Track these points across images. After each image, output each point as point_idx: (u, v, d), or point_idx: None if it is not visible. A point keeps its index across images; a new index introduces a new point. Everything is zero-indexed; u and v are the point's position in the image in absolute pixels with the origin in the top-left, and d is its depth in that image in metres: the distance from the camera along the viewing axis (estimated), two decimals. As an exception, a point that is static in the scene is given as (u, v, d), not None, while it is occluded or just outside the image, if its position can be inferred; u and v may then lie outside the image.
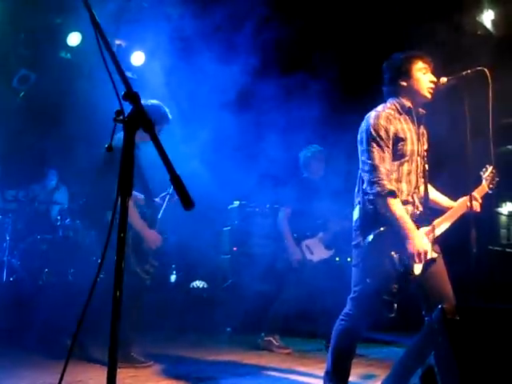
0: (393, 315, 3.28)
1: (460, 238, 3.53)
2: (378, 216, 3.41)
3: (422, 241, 3.33)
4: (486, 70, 3.39)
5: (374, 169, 3.42)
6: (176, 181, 1.65)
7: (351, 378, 3.67)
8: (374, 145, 3.45)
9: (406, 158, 3.54)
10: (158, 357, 5.21)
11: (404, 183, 3.54)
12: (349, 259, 8.01)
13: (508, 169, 5.47)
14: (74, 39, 8.29)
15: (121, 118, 1.64)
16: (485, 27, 11.12)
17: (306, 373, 4.99)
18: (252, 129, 7.25)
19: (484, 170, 3.95)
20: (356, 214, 3.58)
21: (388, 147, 3.47)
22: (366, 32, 8.60)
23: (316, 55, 8.16)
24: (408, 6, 9.12)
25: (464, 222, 3.56)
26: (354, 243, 3.58)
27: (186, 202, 1.62)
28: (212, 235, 8.40)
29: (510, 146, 6.59)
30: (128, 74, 8.20)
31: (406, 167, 3.54)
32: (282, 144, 7.44)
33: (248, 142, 7.42)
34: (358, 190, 3.60)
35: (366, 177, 3.47)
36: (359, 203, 3.56)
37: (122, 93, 1.71)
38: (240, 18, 7.36)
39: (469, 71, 3.47)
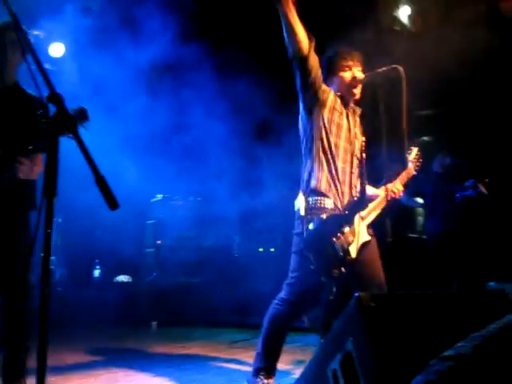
0: (332, 298, 3.45)
1: (378, 228, 3.68)
2: (318, 206, 3.54)
3: None
4: (399, 67, 3.54)
5: None
6: (101, 182, 1.67)
7: (279, 366, 3.77)
8: None
9: (342, 144, 3.67)
10: (83, 351, 5.17)
11: (340, 171, 3.64)
12: (272, 249, 8.17)
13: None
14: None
15: (43, 120, 1.65)
16: (401, 22, 11.44)
17: (233, 359, 5.08)
18: (176, 121, 7.24)
19: (409, 151, 4.06)
20: (297, 203, 3.67)
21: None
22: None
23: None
24: (327, 3, 9.30)
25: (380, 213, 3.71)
26: (295, 232, 3.66)
27: (112, 203, 1.65)
28: (135, 229, 8.34)
29: (425, 138, 6.83)
30: (47, 66, 8.00)
31: (341, 153, 3.66)
32: (207, 136, 7.49)
33: (172, 135, 7.41)
34: (301, 180, 3.69)
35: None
36: (301, 192, 3.65)
37: (46, 94, 1.71)
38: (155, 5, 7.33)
39: (384, 68, 3.62)
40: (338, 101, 3.71)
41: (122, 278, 8.08)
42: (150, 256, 8.01)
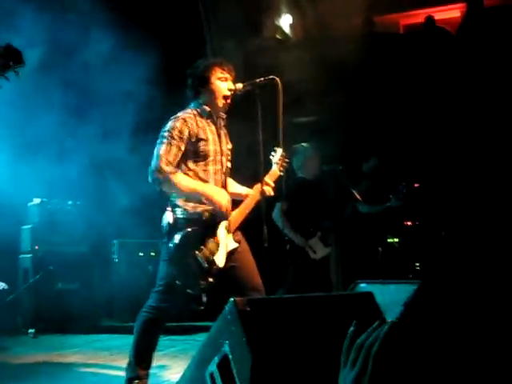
0: (202, 308, 3.54)
1: (256, 235, 3.80)
2: (184, 218, 3.64)
3: (221, 194, 3.66)
4: (276, 78, 3.69)
5: (156, 158, 3.62)
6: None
7: (154, 371, 3.80)
8: (164, 141, 3.64)
9: (211, 159, 3.76)
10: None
11: (212, 183, 3.75)
12: (153, 254, 8.14)
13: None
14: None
15: None
16: (283, 31, 11.76)
17: (113, 366, 5.04)
18: (55, 122, 7.04)
19: (273, 153, 4.13)
20: (165, 218, 3.73)
21: (178, 146, 3.64)
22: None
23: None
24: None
25: (259, 220, 3.82)
26: (162, 241, 3.74)
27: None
28: (10, 234, 8.00)
29: (303, 144, 7.04)
30: None
31: (211, 167, 3.76)
32: (87, 138, 7.35)
33: (51, 137, 7.20)
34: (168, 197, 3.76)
35: (149, 170, 3.64)
36: (168, 207, 3.73)
37: None
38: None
39: (262, 79, 3.77)
40: (201, 122, 3.79)
41: (-3, 285, 7.74)
42: (26, 262, 7.72)
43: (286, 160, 4.14)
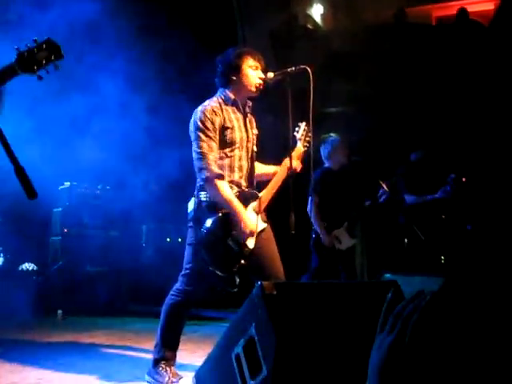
0: (236, 290, 3.62)
1: (283, 222, 3.85)
2: (212, 203, 3.69)
3: (250, 221, 3.68)
4: (308, 68, 3.72)
5: (202, 157, 3.67)
6: (20, 172, 1.71)
7: (178, 354, 3.89)
8: (202, 135, 3.70)
9: (237, 145, 3.81)
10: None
11: (236, 168, 3.82)
12: (180, 239, 8.25)
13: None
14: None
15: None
16: (314, 20, 11.74)
17: (139, 348, 5.14)
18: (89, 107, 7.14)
19: (297, 129, 4.15)
20: (192, 202, 3.81)
21: (215, 137, 3.72)
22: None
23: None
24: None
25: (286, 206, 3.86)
26: (189, 225, 3.82)
27: (30, 193, 1.71)
28: (42, 216, 8.17)
29: (332, 134, 7.01)
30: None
31: (237, 153, 3.82)
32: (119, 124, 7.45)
33: (82, 121, 7.32)
34: (195, 182, 3.82)
35: (196, 165, 3.72)
36: (195, 195, 3.80)
37: None
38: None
39: (293, 68, 3.79)
40: (226, 111, 3.85)
41: (27, 265, 7.92)
42: (56, 244, 7.88)
43: (309, 134, 4.14)
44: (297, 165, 3.99)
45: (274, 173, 4.02)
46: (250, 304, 2.44)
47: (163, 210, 7.93)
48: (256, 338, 2.37)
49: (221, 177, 3.67)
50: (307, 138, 4.14)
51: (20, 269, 7.76)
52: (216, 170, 3.66)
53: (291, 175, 3.88)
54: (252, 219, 3.73)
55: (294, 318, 2.38)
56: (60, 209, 7.92)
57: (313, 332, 2.43)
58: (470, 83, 7.75)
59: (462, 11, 9.35)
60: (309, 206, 5.74)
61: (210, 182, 3.65)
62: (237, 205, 3.67)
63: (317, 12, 11.91)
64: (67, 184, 7.94)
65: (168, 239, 8.34)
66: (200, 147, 3.69)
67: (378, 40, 8.67)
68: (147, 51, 7.58)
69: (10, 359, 4.58)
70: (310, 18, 11.73)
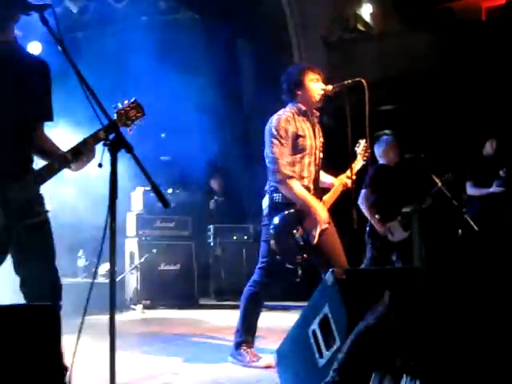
0: (298, 280, 4.17)
1: (345, 216, 4.31)
2: (282, 202, 4.20)
3: (324, 211, 4.20)
4: (363, 80, 4.14)
5: (275, 161, 4.17)
6: (155, 189, 2.26)
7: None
8: (276, 142, 4.20)
9: (307, 152, 4.29)
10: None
11: (306, 173, 4.29)
12: (245, 237, 8.86)
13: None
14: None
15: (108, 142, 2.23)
16: (364, 20, 11.98)
17: (216, 337, 5.67)
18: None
19: (357, 144, 4.67)
20: (265, 202, 4.33)
21: (287, 144, 4.21)
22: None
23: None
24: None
25: (348, 202, 4.32)
26: (263, 223, 4.36)
27: (165, 204, 2.25)
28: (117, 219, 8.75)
29: (386, 131, 7.33)
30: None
31: (306, 159, 4.30)
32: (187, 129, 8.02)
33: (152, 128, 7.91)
34: (268, 182, 4.33)
35: (269, 168, 4.22)
36: (268, 192, 4.31)
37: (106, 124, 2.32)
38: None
39: (350, 81, 4.21)
40: (298, 120, 4.32)
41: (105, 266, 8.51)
42: (132, 245, 8.44)
43: (369, 150, 4.68)
44: (349, 182, 4.42)
45: (330, 184, 4.52)
46: (323, 287, 2.93)
47: (229, 211, 8.51)
48: (330, 316, 2.86)
49: (292, 177, 4.15)
50: (366, 154, 4.64)
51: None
52: (287, 171, 4.15)
53: (347, 188, 4.41)
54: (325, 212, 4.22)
55: (361, 297, 2.84)
56: (135, 212, 8.49)
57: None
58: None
59: (510, 3, 9.51)
60: (360, 199, 6.19)
61: (283, 182, 4.14)
62: (311, 199, 4.17)
63: (366, 12, 12.17)
64: (140, 189, 8.48)
65: (235, 237, 8.95)
66: (273, 152, 4.18)
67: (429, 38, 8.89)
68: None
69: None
70: (360, 18, 11.99)
